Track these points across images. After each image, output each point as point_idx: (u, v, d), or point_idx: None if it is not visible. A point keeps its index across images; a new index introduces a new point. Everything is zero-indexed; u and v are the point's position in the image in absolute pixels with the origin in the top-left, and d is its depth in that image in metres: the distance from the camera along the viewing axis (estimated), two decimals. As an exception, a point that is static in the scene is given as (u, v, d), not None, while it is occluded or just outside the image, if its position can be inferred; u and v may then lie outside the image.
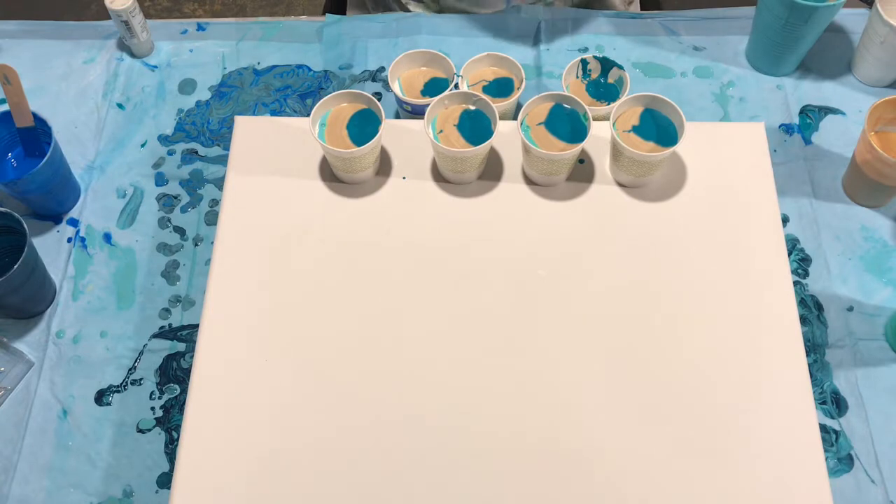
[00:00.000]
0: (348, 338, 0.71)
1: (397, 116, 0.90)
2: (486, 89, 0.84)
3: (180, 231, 0.86)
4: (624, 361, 0.70)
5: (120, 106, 0.94)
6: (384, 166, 0.80)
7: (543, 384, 0.69)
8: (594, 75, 0.85)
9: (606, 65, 0.84)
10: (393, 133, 0.81)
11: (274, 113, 0.93)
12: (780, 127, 0.90)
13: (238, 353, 0.71)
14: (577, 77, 0.85)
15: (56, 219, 0.86)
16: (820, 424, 0.68)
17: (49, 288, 0.81)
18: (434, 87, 0.84)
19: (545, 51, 0.96)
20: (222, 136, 0.92)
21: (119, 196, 0.88)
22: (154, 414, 0.76)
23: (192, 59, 0.98)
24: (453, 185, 0.79)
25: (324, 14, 1.01)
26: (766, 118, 0.90)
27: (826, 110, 0.91)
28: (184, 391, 0.76)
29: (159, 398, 0.76)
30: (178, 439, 0.71)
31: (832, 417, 0.74)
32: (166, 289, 0.82)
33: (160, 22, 1.01)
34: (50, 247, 0.84)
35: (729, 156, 0.80)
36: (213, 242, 0.78)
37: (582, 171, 0.80)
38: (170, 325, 0.80)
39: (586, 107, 0.76)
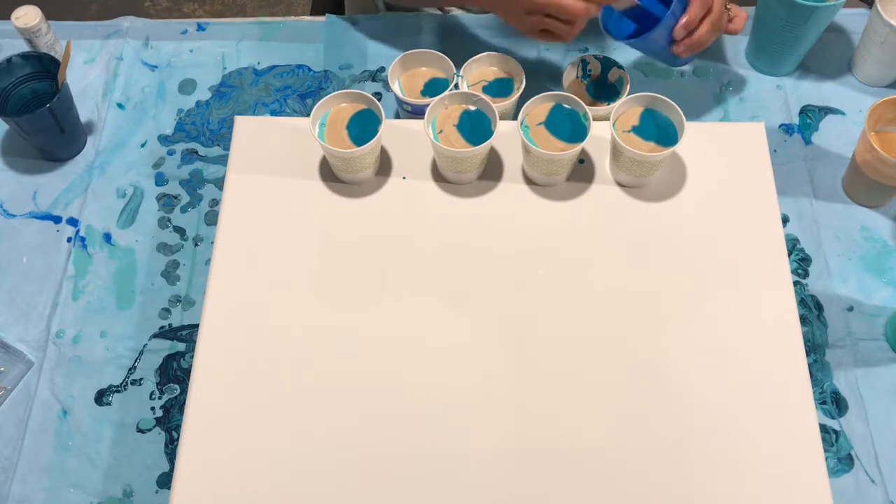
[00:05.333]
0: (348, 337, 0.71)
1: (397, 116, 0.90)
2: (486, 89, 0.84)
3: (180, 231, 0.86)
4: (624, 361, 0.70)
5: (120, 106, 0.94)
6: (384, 166, 0.80)
7: (543, 383, 0.69)
8: (594, 75, 0.85)
9: (606, 65, 0.84)
10: (393, 133, 0.81)
11: (274, 113, 0.93)
12: (780, 127, 0.90)
13: (238, 353, 0.71)
14: (577, 77, 0.85)
15: (56, 218, 0.86)
16: (820, 424, 0.68)
17: (82, 130, 0.90)
18: (434, 87, 0.84)
19: (545, 51, 0.96)
20: (222, 136, 0.92)
21: (119, 196, 0.88)
22: (154, 414, 0.76)
23: (192, 59, 0.98)
24: (453, 185, 0.79)
25: (323, 14, 1.01)
26: (766, 118, 0.90)
27: (826, 110, 0.91)
28: (184, 391, 0.76)
29: (159, 398, 0.76)
30: (178, 439, 0.71)
31: (832, 417, 0.74)
32: (166, 289, 0.82)
33: (160, 22, 1.01)
34: (50, 247, 0.85)
35: (729, 156, 0.80)
36: (213, 242, 0.78)
37: (582, 171, 0.80)
38: (170, 325, 0.80)
39: (586, 107, 0.76)
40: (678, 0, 0.75)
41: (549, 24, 0.75)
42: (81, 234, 0.85)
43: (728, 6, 0.80)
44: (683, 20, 0.75)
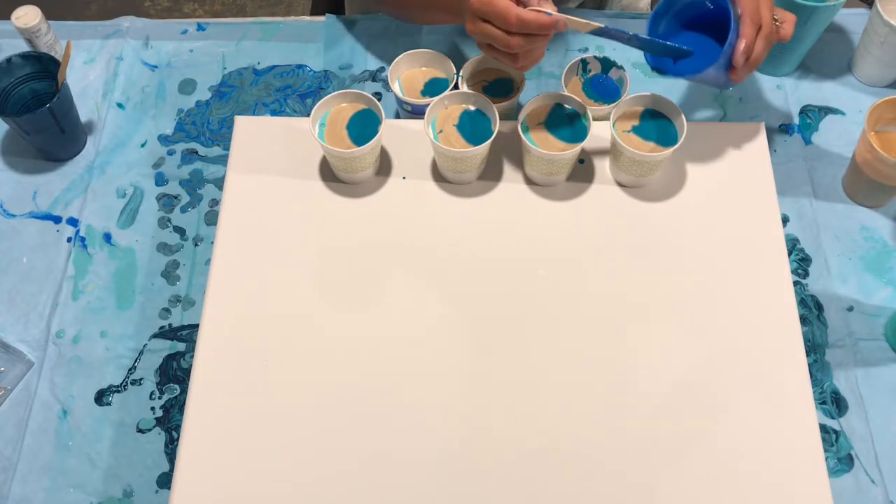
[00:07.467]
0: (348, 338, 0.71)
1: (397, 116, 0.90)
2: (486, 89, 0.84)
3: (180, 231, 0.86)
4: (624, 361, 0.70)
5: (120, 106, 0.94)
6: (384, 166, 0.80)
7: (542, 384, 0.69)
8: (594, 75, 0.85)
9: (606, 65, 0.84)
10: (393, 133, 0.81)
11: (274, 113, 0.93)
12: (780, 127, 0.90)
13: (238, 353, 0.71)
14: (577, 77, 0.85)
15: (56, 218, 0.86)
16: (820, 424, 0.68)
17: (82, 130, 0.90)
18: (434, 87, 0.84)
19: (545, 50, 0.96)
20: (222, 136, 0.92)
21: (119, 196, 0.88)
22: (154, 414, 0.76)
23: (192, 59, 0.98)
24: (453, 185, 0.79)
25: (323, 14, 1.01)
26: (766, 118, 0.90)
27: (826, 110, 0.91)
28: (184, 391, 0.76)
29: (159, 398, 0.76)
30: (178, 439, 0.71)
31: (832, 417, 0.74)
32: (166, 289, 0.82)
33: (160, 22, 1.01)
34: (50, 247, 0.85)
35: (729, 156, 0.80)
36: (213, 242, 0.78)
37: (582, 171, 0.80)
38: (170, 325, 0.80)
39: (586, 107, 0.76)
40: (732, 25, 0.70)
41: (494, 55, 0.72)
42: (81, 234, 0.85)
43: (775, 15, 0.74)
44: (742, 45, 0.70)
